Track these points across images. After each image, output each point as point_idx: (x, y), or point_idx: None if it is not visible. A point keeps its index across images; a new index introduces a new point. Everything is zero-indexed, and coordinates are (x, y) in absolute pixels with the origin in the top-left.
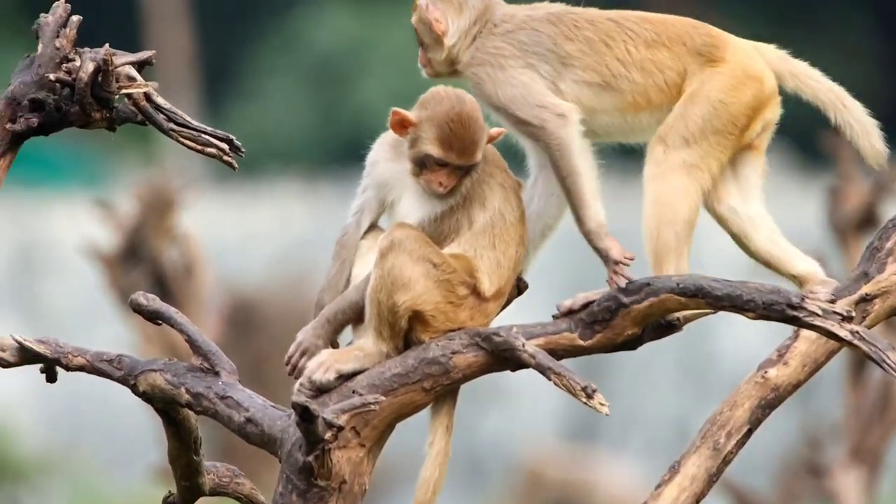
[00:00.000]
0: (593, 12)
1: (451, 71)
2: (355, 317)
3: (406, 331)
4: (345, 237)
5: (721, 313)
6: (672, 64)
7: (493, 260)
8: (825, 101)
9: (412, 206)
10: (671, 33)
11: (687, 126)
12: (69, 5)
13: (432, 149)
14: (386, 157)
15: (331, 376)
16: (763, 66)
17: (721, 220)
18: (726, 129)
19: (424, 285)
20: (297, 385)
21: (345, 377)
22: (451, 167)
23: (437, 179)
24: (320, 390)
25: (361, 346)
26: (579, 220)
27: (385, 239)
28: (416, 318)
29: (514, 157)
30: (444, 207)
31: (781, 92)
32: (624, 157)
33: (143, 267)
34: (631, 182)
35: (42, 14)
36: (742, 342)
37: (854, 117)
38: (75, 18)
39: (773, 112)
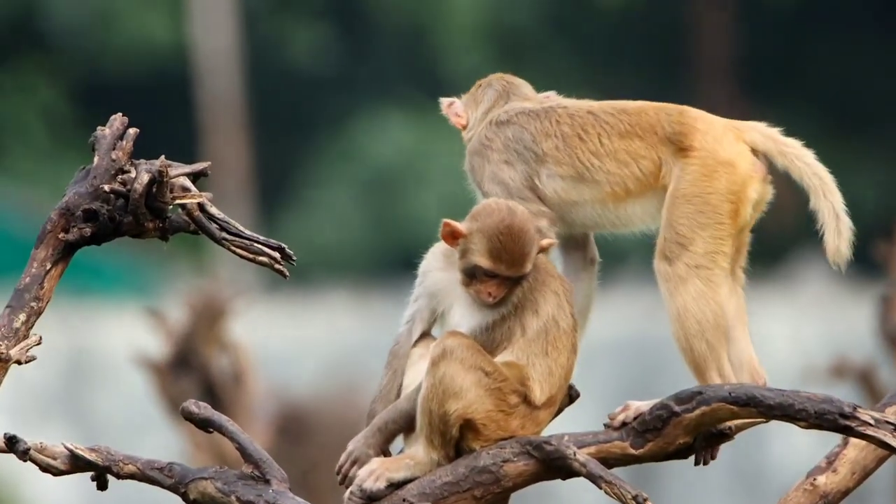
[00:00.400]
0: (577, 105)
1: None
2: (406, 426)
3: (457, 439)
4: (397, 346)
5: (773, 422)
6: (646, 153)
7: (546, 368)
8: (809, 185)
9: (463, 316)
10: (644, 123)
11: (677, 231)
12: (126, 118)
13: (482, 260)
14: (438, 266)
15: (381, 485)
16: (735, 150)
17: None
18: (714, 221)
19: (476, 394)
20: (347, 493)
21: (395, 486)
22: (501, 278)
23: (486, 290)
24: (371, 499)
25: (412, 455)
26: None
27: (437, 347)
28: (468, 426)
29: None
30: (496, 317)
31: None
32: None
33: (193, 375)
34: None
35: (99, 127)
36: (794, 450)
37: (833, 209)
38: (132, 131)
39: (759, 191)
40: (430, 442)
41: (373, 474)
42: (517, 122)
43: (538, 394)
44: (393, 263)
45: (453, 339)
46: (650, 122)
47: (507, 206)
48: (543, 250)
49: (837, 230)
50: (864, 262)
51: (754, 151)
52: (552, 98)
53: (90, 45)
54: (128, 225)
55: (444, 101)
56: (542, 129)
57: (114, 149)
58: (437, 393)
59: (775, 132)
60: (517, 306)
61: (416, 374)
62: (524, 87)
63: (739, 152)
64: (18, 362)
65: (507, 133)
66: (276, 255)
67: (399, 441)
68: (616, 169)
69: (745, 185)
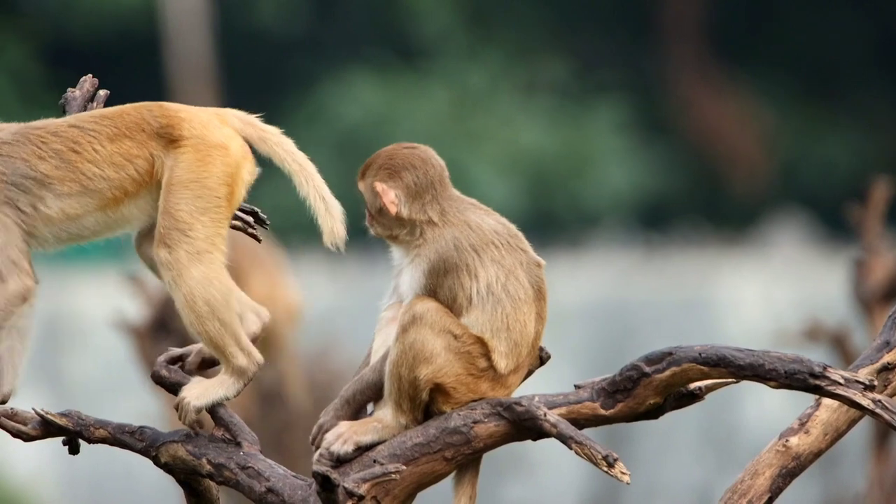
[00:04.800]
0: (54, 123)
1: None
2: (375, 396)
3: (426, 402)
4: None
5: (744, 382)
6: (139, 152)
7: (511, 341)
8: (291, 171)
9: (404, 281)
10: (129, 122)
11: (176, 218)
12: (96, 80)
13: None
14: None
15: (349, 448)
16: (225, 133)
17: (147, 264)
18: (213, 205)
19: (446, 358)
20: (316, 456)
21: (363, 449)
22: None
23: None
24: (339, 461)
25: (380, 419)
26: None
27: (406, 314)
28: (438, 390)
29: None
30: (424, 279)
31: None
32: (647, 230)
33: (172, 340)
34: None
35: (69, 88)
36: (765, 411)
37: (318, 193)
38: (102, 93)
39: (250, 172)
40: (399, 406)
41: (340, 437)
42: (2, 152)
43: (503, 366)
44: (363, 227)
45: (422, 304)
46: (135, 121)
47: (400, 145)
48: (378, 194)
49: (328, 212)
50: (837, 225)
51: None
52: (7, 126)
53: (58, 6)
54: None
55: None
56: (34, 153)
57: (84, 110)
58: (407, 358)
59: (254, 119)
60: (446, 269)
61: (383, 338)
62: None
63: (229, 135)
64: None
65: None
66: (250, 218)
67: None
68: (115, 174)
69: (240, 166)
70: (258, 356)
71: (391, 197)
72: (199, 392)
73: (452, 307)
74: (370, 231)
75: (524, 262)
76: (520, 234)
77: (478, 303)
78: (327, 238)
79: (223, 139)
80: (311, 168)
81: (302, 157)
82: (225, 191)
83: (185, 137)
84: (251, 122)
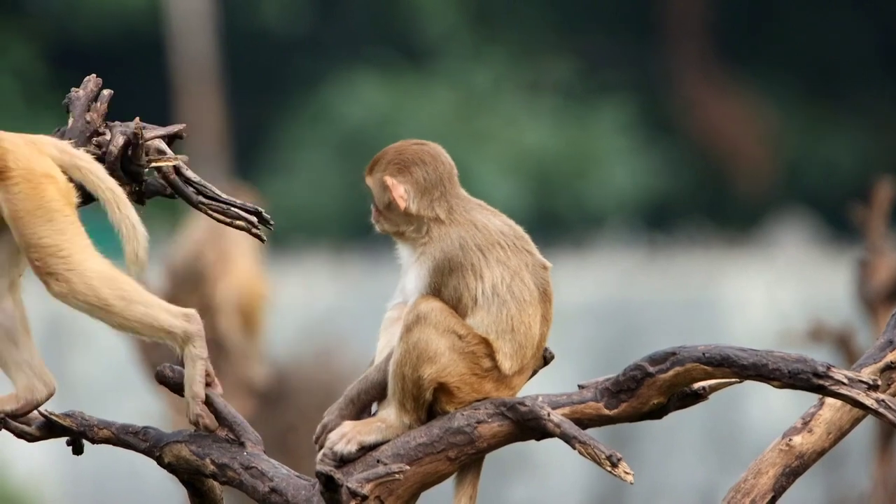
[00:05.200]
0: None
1: None
2: (379, 395)
3: (430, 402)
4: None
5: (748, 382)
6: None
7: (515, 343)
8: (103, 198)
9: (409, 280)
10: None
11: (43, 245)
12: (100, 80)
13: None
14: None
15: (353, 448)
16: (46, 163)
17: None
18: (67, 223)
19: (450, 358)
20: (319, 455)
21: (367, 448)
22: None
23: None
24: (343, 461)
25: (384, 418)
26: None
27: (410, 313)
28: (441, 389)
29: None
30: (429, 278)
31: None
32: (651, 229)
33: None
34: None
35: (73, 88)
36: (769, 411)
37: (129, 220)
38: (106, 92)
39: (76, 197)
40: (403, 406)
41: (344, 437)
42: None
43: (507, 367)
44: (368, 226)
45: (427, 304)
46: None
47: (410, 142)
48: (387, 189)
49: (136, 239)
50: (841, 225)
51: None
52: None
53: (62, 6)
54: None
55: None
56: None
57: (88, 111)
58: (410, 358)
59: (68, 145)
60: (451, 268)
61: (388, 338)
62: None
63: (51, 165)
64: None
65: None
66: (254, 218)
67: None
68: None
69: (69, 192)
70: (189, 312)
71: (401, 192)
72: (188, 383)
73: (457, 308)
74: (375, 227)
75: (530, 264)
76: (526, 235)
77: (483, 304)
78: (130, 264)
79: (48, 169)
80: (121, 194)
81: (113, 183)
82: (69, 209)
83: (11, 169)
84: (65, 150)
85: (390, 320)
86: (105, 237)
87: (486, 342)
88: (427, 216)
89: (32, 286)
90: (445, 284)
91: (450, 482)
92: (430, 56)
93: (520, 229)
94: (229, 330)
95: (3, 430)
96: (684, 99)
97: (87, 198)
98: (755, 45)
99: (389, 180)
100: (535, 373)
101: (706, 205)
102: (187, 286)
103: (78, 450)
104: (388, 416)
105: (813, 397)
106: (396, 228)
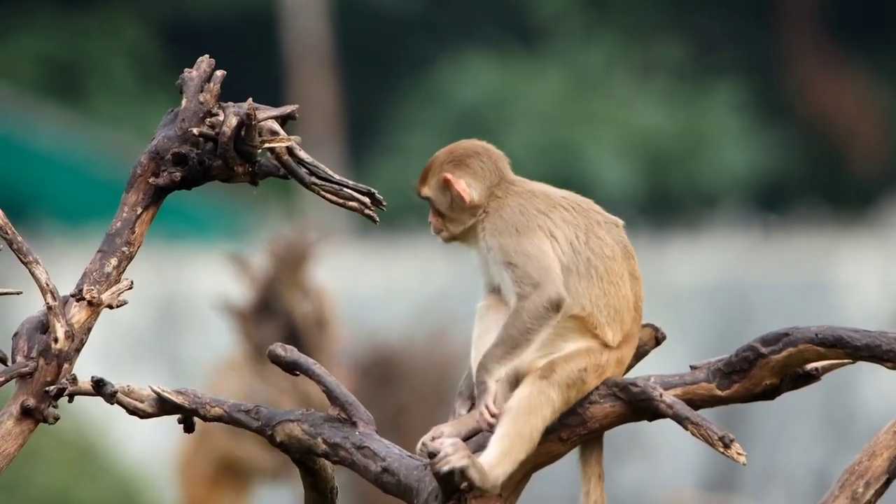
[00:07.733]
0: None
1: None
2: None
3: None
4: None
5: (861, 364)
6: None
7: (611, 308)
8: None
9: (484, 273)
10: None
11: None
12: (213, 60)
13: None
14: None
15: (456, 465)
16: None
17: None
18: None
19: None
20: (428, 445)
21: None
22: (430, 206)
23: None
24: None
25: (487, 461)
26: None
27: (545, 366)
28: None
29: None
30: (501, 251)
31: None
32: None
33: (276, 321)
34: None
35: (186, 69)
36: (883, 392)
37: None
38: (219, 73)
39: None
40: (508, 455)
41: (458, 453)
42: None
43: (611, 336)
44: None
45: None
46: None
47: (453, 144)
48: (448, 184)
49: None
50: None
51: None
52: None
53: None
54: (217, 169)
55: None
56: None
57: (201, 91)
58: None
59: None
60: (486, 231)
61: (484, 327)
62: None
63: None
64: (110, 306)
65: None
66: (366, 199)
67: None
68: None
69: None
70: None
71: (462, 185)
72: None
73: None
74: (441, 238)
75: (601, 222)
76: (590, 201)
77: (568, 264)
78: None
79: None
80: None
81: None
82: None
83: None
84: None
85: (484, 308)
86: (183, 221)
87: (587, 331)
88: (487, 205)
89: (146, 269)
90: (519, 251)
91: (560, 463)
92: (542, 37)
93: (583, 198)
94: (329, 308)
95: (117, 406)
96: (798, 79)
97: (186, 183)
98: (869, 24)
99: (449, 176)
100: (646, 353)
101: (820, 186)
102: (288, 267)
103: (189, 428)
104: (489, 459)
105: None
106: (462, 226)
